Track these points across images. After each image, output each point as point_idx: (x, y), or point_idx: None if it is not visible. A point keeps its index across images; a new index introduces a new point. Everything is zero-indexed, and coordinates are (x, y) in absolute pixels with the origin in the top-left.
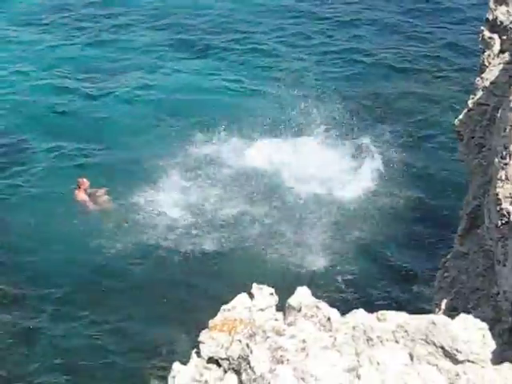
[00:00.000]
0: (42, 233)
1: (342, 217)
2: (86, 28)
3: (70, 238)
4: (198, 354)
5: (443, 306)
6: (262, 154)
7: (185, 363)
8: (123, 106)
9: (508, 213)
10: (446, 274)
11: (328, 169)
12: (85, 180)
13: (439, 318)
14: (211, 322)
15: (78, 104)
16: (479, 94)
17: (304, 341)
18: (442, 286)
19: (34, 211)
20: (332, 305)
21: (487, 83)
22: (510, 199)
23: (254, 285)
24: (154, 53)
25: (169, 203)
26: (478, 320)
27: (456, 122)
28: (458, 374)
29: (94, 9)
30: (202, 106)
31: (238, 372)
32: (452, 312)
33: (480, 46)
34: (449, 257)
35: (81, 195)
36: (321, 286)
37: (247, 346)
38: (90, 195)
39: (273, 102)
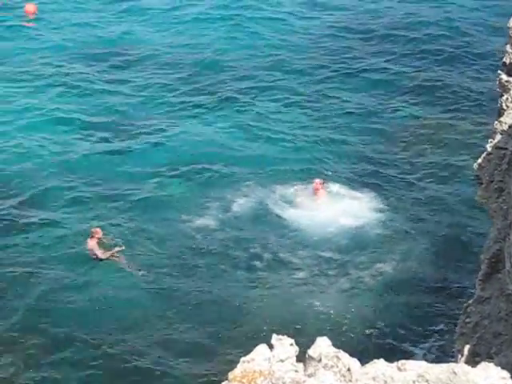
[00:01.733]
0: (53, 279)
1: (363, 260)
2: (95, 78)
3: (79, 286)
4: None
5: (466, 352)
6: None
7: None
8: (141, 156)
9: None
10: (467, 320)
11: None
12: (98, 229)
13: (460, 366)
14: (231, 374)
15: (97, 156)
16: (498, 137)
17: None
18: (464, 332)
19: (45, 258)
20: (352, 354)
21: (506, 127)
22: None
23: (274, 335)
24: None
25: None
26: (499, 368)
27: (475, 166)
28: None
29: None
30: (219, 158)
31: None
32: (475, 357)
33: (498, 90)
34: (470, 302)
35: (92, 244)
36: (341, 334)
37: None
38: (104, 248)
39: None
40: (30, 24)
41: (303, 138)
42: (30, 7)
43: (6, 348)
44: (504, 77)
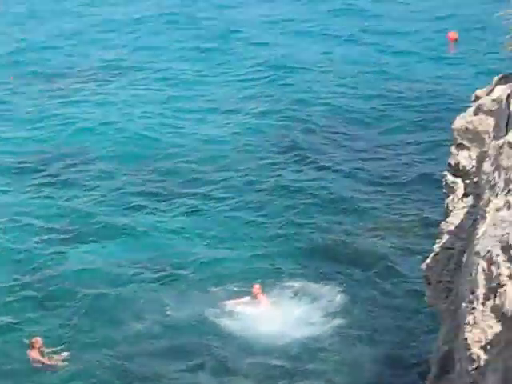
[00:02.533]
0: None
1: (314, 369)
2: None
3: None
4: None
5: None
6: None
7: None
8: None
9: (478, 357)
10: None
11: None
12: (38, 339)
13: None
14: None
15: None
16: (445, 238)
17: None
18: None
19: None
20: None
21: (452, 227)
22: (479, 344)
23: None
24: None
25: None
26: None
27: (423, 266)
28: None
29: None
30: None
31: None
32: None
33: (444, 191)
34: None
35: (34, 354)
36: None
37: None
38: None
39: None
40: None
41: (239, 236)
42: None
43: None
44: (450, 178)
